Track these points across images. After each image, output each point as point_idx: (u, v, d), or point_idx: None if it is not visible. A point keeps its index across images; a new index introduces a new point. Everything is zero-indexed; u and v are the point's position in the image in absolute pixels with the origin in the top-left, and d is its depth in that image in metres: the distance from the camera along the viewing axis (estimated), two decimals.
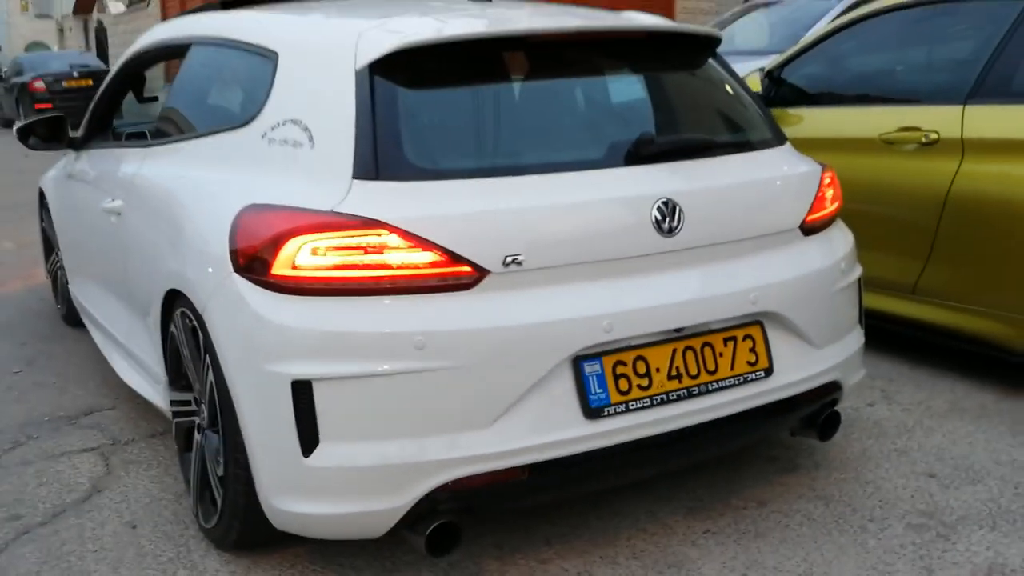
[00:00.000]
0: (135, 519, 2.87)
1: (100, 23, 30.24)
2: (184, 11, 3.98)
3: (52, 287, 5.15)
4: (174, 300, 2.75)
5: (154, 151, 3.30)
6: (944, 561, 2.54)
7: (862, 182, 3.91)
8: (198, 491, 2.74)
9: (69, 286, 4.52)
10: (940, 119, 3.74)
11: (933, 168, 3.73)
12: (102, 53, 27.61)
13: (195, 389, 2.72)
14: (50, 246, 5.03)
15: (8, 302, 5.51)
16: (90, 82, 19.38)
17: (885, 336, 4.06)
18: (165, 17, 21.39)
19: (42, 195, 4.98)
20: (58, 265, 4.83)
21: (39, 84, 19.21)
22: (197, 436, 2.74)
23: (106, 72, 19.88)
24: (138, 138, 4.01)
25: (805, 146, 3.06)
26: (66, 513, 2.92)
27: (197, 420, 2.74)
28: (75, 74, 19.80)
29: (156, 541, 2.74)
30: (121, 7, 26.63)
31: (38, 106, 18.66)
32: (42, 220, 5.14)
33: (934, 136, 3.73)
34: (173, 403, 2.91)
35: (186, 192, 2.84)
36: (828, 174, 2.90)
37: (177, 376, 2.87)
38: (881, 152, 3.93)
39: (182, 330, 2.70)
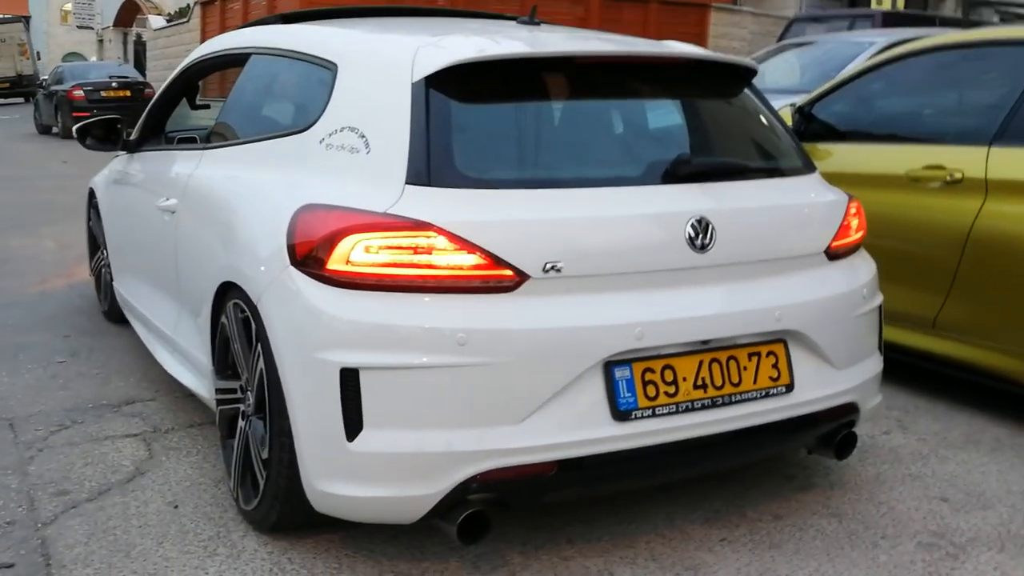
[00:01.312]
0: (177, 500, 3.00)
1: (139, 36, 30.83)
2: (228, 27, 4.16)
3: (95, 284, 5.33)
4: (226, 293, 2.90)
5: (211, 153, 3.48)
6: None
7: (887, 217, 4.03)
8: (239, 475, 2.88)
9: (114, 283, 4.69)
10: (965, 159, 3.86)
11: (956, 206, 3.85)
12: (139, 65, 28.14)
13: (242, 377, 2.86)
14: (95, 245, 5.21)
15: (51, 298, 5.69)
16: (128, 93, 19.75)
17: (904, 369, 4.16)
18: (204, 32, 21.83)
19: (91, 195, 5.16)
20: (103, 263, 5.00)
21: (79, 93, 19.57)
22: (241, 423, 2.88)
23: (144, 83, 20.36)
24: (190, 142, 4.18)
25: (833, 180, 3.18)
26: (111, 491, 3.06)
27: (242, 407, 2.87)
28: (114, 84, 20.17)
29: (197, 521, 2.87)
30: (162, 21, 27.19)
31: (76, 114, 19.01)
32: (89, 219, 5.32)
33: (959, 175, 3.85)
34: (218, 391, 3.05)
35: (244, 191, 3.00)
36: (854, 204, 3.03)
37: (224, 366, 3.01)
38: (906, 189, 4.05)
39: (234, 320, 2.85)
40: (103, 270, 5.03)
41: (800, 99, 4.88)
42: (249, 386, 2.79)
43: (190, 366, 3.43)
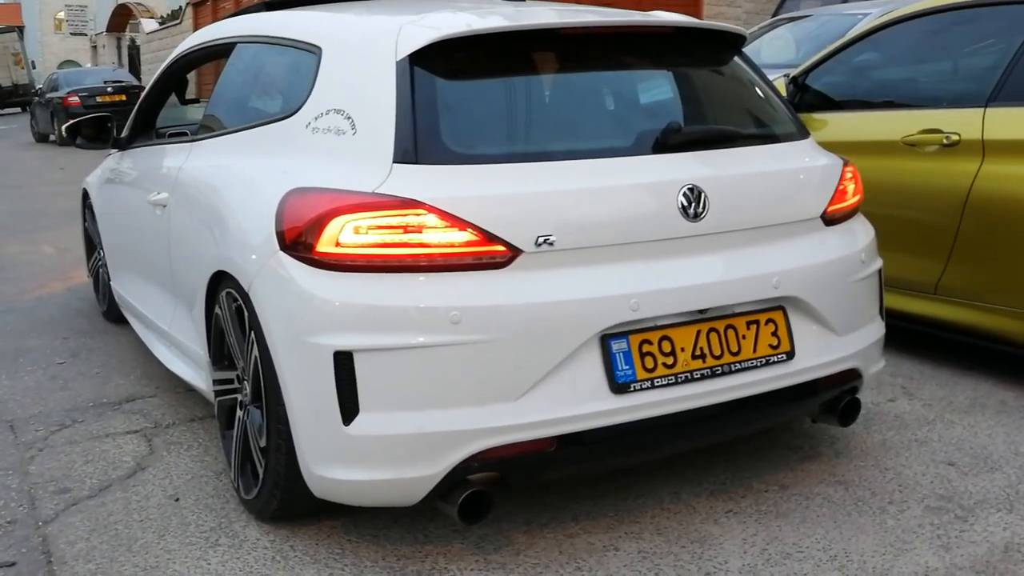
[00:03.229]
0: (178, 493, 2.99)
1: (133, 40, 30.80)
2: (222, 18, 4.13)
3: (93, 285, 5.31)
4: (219, 282, 2.88)
5: (200, 144, 3.45)
6: (962, 540, 2.61)
7: (885, 184, 3.99)
8: (239, 465, 2.86)
9: (111, 282, 4.67)
10: (961, 121, 3.82)
11: (954, 169, 3.81)
12: (134, 69, 28.14)
13: (238, 367, 2.84)
14: (92, 245, 5.19)
15: (50, 301, 5.68)
16: (124, 97, 19.75)
17: (907, 335, 4.14)
18: None
19: (85, 195, 5.14)
20: (100, 263, 4.98)
21: (74, 99, 19.57)
22: (239, 412, 2.86)
23: (139, 87, 20.34)
24: (181, 136, 4.15)
25: (829, 149, 3.14)
26: (112, 487, 3.05)
27: (239, 397, 2.86)
28: (109, 89, 20.19)
29: (199, 512, 2.86)
30: (154, 24, 27.17)
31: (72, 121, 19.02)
32: (85, 220, 5.30)
33: (955, 138, 3.81)
34: (216, 383, 3.03)
35: (233, 179, 2.97)
36: (849, 168, 3.00)
37: (220, 356, 2.99)
38: (903, 154, 4.01)
39: (227, 310, 2.82)
40: (100, 270, 5.01)
41: (794, 70, 4.84)
42: (245, 375, 2.77)
43: (187, 359, 3.42)
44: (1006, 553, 2.55)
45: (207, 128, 3.58)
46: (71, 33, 43.32)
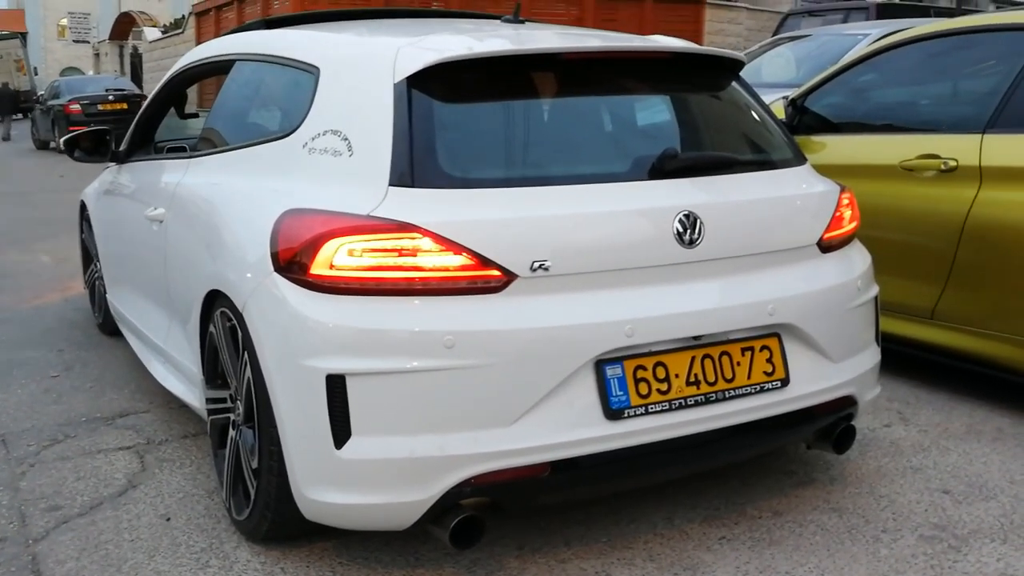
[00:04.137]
0: (169, 512, 2.97)
1: (135, 49, 30.85)
2: (223, 32, 4.14)
3: (90, 297, 5.30)
4: (214, 301, 2.87)
5: (197, 161, 3.45)
6: (955, 571, 2.60)
7: (882, 208, 3.99)
8: (231, 485, 2.85)
9: (107, 295, 4.67)
10: (959, 147, 3.82)
11: (952, 195, 3.81)
12: (136, 78, 28.15)
13: (231, 386, 2.83)
14: (89, 257, 5.19)
15: (46, 312, 5.67)
16: (125, 106, 19.73)
17: (904, 360, 4.13)
18: (200, 42, 21.81)
19: (83, 207, 5.14)
20: (96, 275, 4.98)
21: (75, 107, 19.56)
22: (232, 432, 2.84)
23: (140, 96, 20.36)
24: (179, 151, 4.15)
25: (828, 172, 3.15)
26: (103, 505, 3.03)
27: (232, 417, 2.84)
28: (110, 97, 20.16)
29: (190, 533, 2.84)
30: (157, 33, 27.21)
31: (72, 128, 19.01)
32: (82, 232, 5.30)
33: (953, 163, 3.81)
34: (209, 401, 3.02)
35: (229, 198, 2.97)
36: (846, 195, 2.99)
37: (214, 375, 2.98)
38: (901, 179, 4.01)
39: (221, 329, 2.82)
40: (97, 282, 5.00)
41: (793, 92, 4.85)
42: (238, 395, 2.76)
43: (181, 376, 3.41)
44: None
45: (206, 144, 3.58)
46: (74, 40, 43.38)
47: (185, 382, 3.36)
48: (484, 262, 2.36)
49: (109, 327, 4.85)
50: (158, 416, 3.83)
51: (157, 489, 3.14)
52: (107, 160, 4.48)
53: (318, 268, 2.38)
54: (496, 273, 2.37)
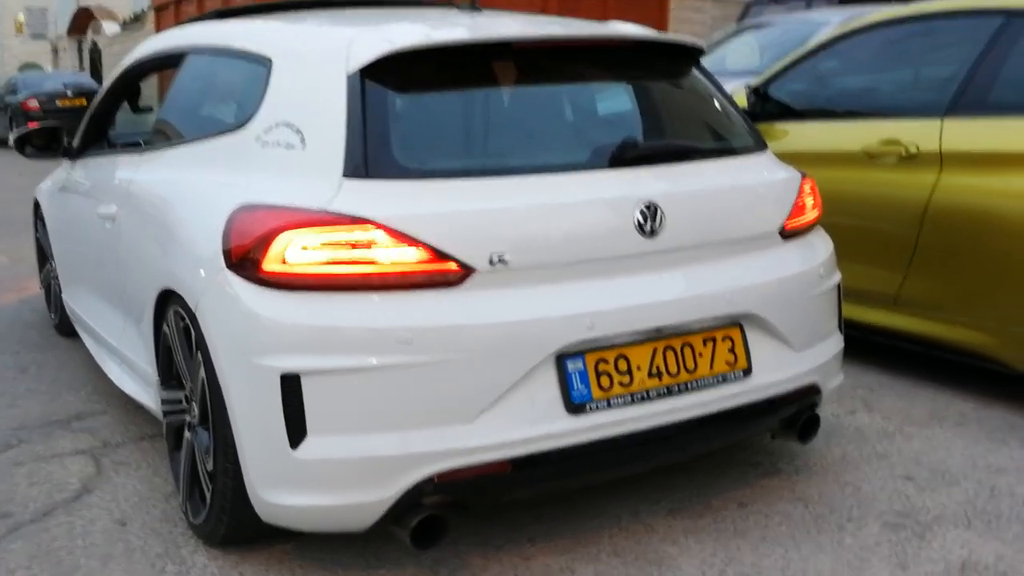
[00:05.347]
0: (124, 517, 2.90)
1: (94, 44, 30.39)
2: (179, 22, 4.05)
3: (45, 297, 5.19)
4: (167, 300, 2.80)
5: (149, 156, 3.37)
6: (919, 558, 2.59)
7: (845, 195, 3.99)
8: (187, 488, 2.78)
9: (62, 295, 4.57)
10: (919, 133, 3.82)
11: (913, 181, 3.81)
12: (96, 73, 27.73)
13: (186, 387, 2.77)
14: (44, 256, 5.07)
15: (1, 313, 5.54)
16: (84, 101, 19.42)
17: (867, 347, 4.13)
18: None
19: (37, 205, 5.03)
20: (52, 275, 4.87)
21: (33, 103, 19.25)
22: (187, 434, 2.78)
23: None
24: (133, 147, 4.06)
25: (790, 160, 3.13)
26: (56, 511, 2.95)
27: (187, 418, 2.78)
28: (69, 93, 19.86)
29: (145, 538, 2.77)
30: (116, 28, 26.83)
31: (31, 125, 18.72)
32: (37, 230, 5.19)
33: (913, 149, 3.81)
34: (164, 402, 2.95)
35: (180, 194, 2.90)
36: (808, 182, 2.97)
37: (168, 376, 2.91)
38: (863, 165, 4.01)
39: (174, 329, 2.75)
40: (52, 282, 4.90)
41: (755, 79, 4.83)
42: (193, 396, 2.70)
43: (137, 377, 3.33)
44: (963, 572, 2.53)
45: (158, 138, 3.50)
46: (31, 35, 42.69)
47: (140, 383, 3.29)
48: (441, 256, 2.31)
49: (65, 328, 4.74)
50: (115, 418, 3.75)
51: (112, 493, 3.07)
52: (59, 156, 4.38)
53: (270, 264, 2.32)
54: (453, 267, 2.32)
